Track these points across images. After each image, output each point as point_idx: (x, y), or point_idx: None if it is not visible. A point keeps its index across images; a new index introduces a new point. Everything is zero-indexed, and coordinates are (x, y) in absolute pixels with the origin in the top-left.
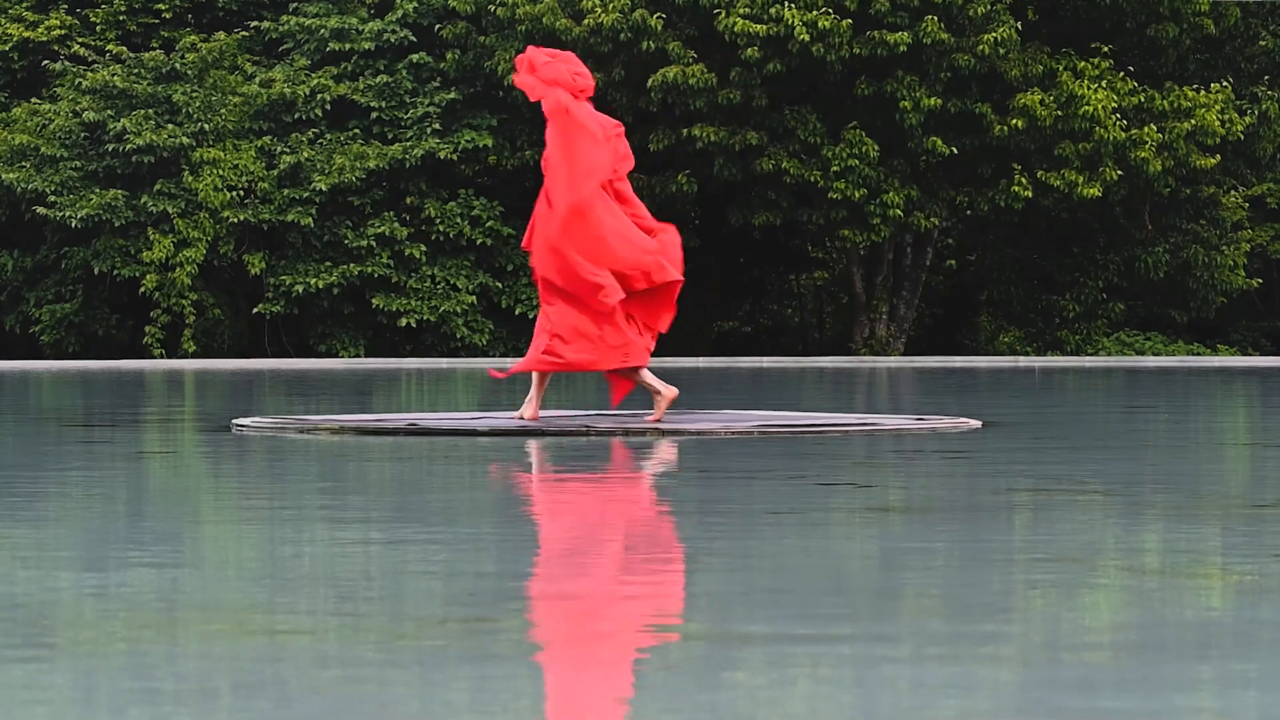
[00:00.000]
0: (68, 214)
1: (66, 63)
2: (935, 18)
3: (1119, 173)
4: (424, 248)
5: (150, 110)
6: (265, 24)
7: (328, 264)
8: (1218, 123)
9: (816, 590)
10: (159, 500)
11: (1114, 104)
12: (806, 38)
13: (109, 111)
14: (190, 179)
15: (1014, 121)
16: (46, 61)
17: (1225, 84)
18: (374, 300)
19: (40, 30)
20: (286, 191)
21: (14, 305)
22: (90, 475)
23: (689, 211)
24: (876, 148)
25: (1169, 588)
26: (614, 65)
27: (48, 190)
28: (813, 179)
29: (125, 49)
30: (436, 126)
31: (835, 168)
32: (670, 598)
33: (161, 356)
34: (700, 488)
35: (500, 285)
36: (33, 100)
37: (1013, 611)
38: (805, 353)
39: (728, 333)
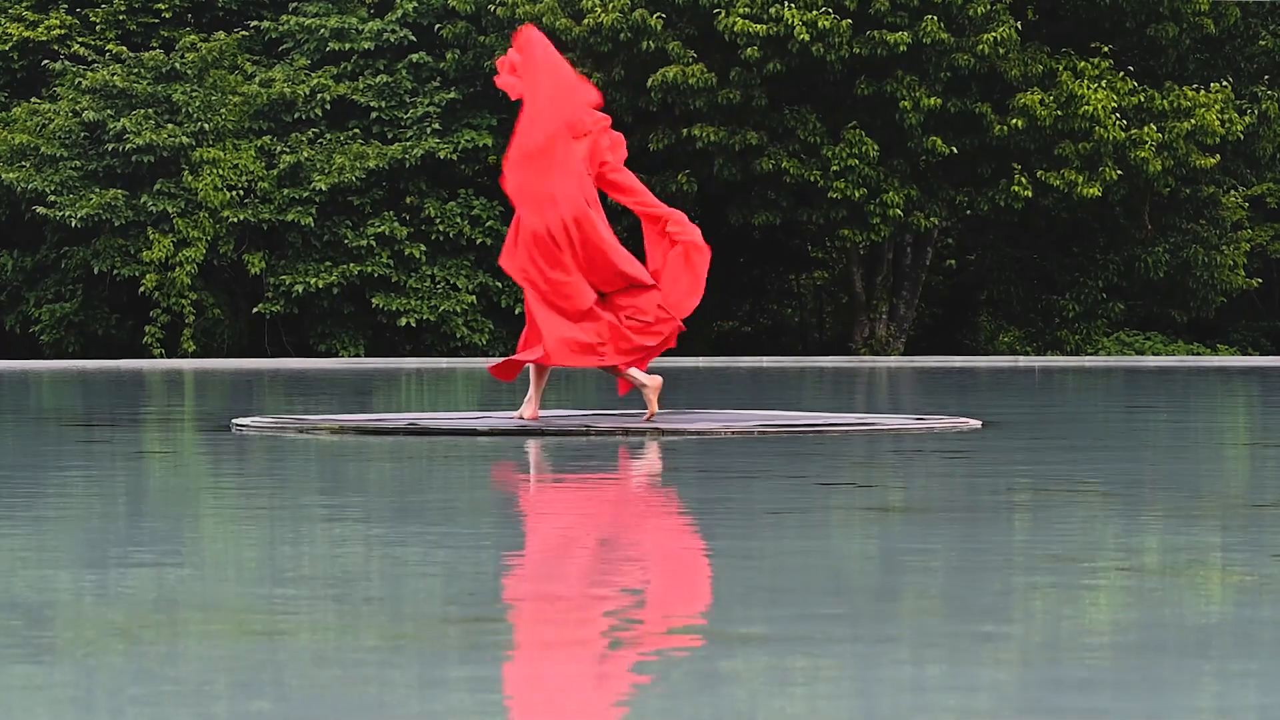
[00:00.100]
0: (67, 214)
1: (66, 62)
2: (935, 17)
3: (1119, 172)
4: (424, 247)
5: (150, 110)
6: (265, 24)
7: (328, 264)
8: (1217, 122)
9: (816, 590)
10: (159, 500)
11: (1114, 104)
12: (806, 37)
13: (109, 111)
14: (190, 179)
15: (1014, 121)
16: (46, 61)
17: (1225, 84)
18: (374, 300)
19: (40, 30)
20: (286, 191)
21: (14, 305)
22: (90, 475)
23: (689, 211)
24: (876, 147)
25: (1169, 588)
26: (614, 65)
27: (48, 190)
28: (812, 179)
29: (125, 49)
30: (436, 126)
31: (835, 167)
32: (670, 598)
33: (161, 356)
34: (700, 488)
35: (500, 285)
36: (33, 100)
37: (1012, 611)
38: (805, 353)
39: (727, 332)
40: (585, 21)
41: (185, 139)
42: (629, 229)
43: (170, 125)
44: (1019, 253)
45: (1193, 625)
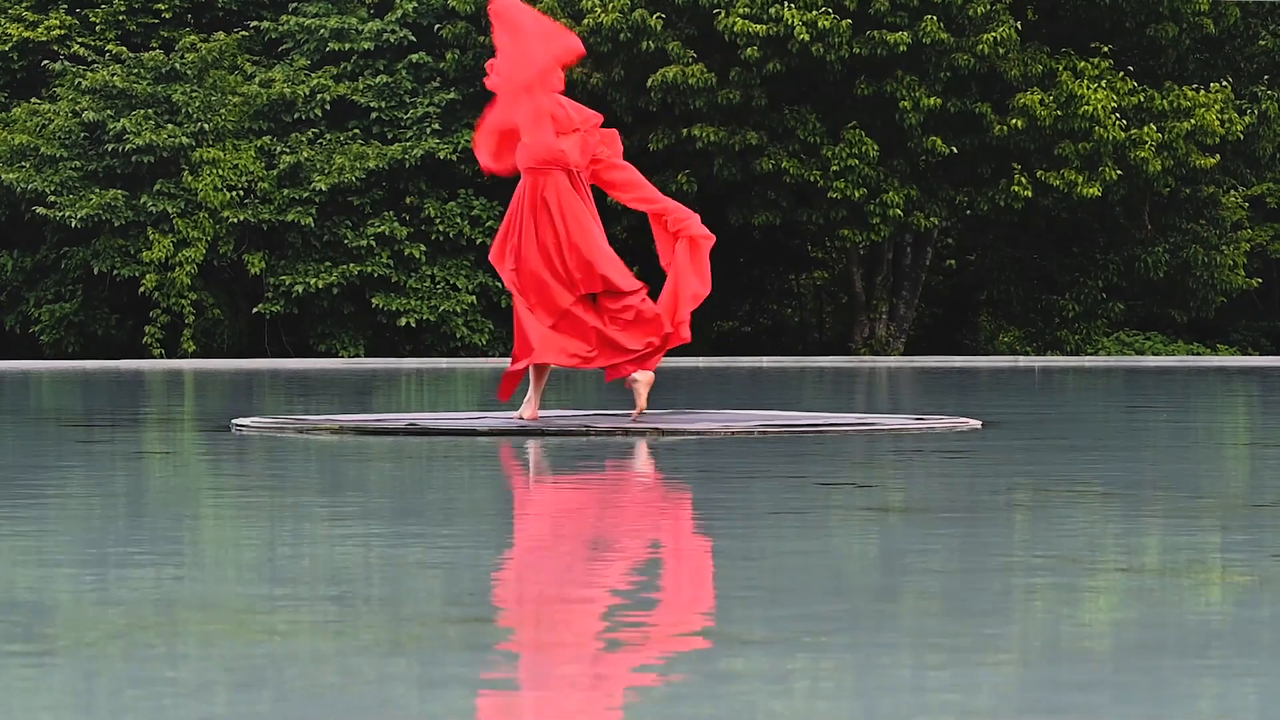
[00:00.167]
0: (67, 214)
1: (66, 63)
2: (935, 17)
3: (1119, 172)
4: (424, 247)
5: (150, 110)
6: (265, 24)
7: (327, 264)
8: (1217, 122)
9: (816, 590)
10: (159, 500)
11: (1113, 104)
12: (806, 37)
13: (109, 111)
14: (190, 179)
15: (1014, 121)
16: (46, 61)
17: (1225, 84)
18: (374, 300)
19: (40, 30)
20: (286, 191)
21: (14, 305)
22: (90, 475)
23: None
24: (876, 147)
25: (1169, 588)
26: (614, 65)
27: (47, 190)
28: (812, 179)
29: (125, 49)
30: (436, 126)
31: (835, 167)
32: (670, 598)
33: (161, 356)
34: (700, 488)
35: (500, 285)
36: (32, 100)
37: (1012, 612)
38: (805, 353)
39: (727, 332)
40: (585, 21)
41: (185, 139)
42: (630, 229)
43: (170, 125)
44: (1019, 253)
45: (1193, 625)
